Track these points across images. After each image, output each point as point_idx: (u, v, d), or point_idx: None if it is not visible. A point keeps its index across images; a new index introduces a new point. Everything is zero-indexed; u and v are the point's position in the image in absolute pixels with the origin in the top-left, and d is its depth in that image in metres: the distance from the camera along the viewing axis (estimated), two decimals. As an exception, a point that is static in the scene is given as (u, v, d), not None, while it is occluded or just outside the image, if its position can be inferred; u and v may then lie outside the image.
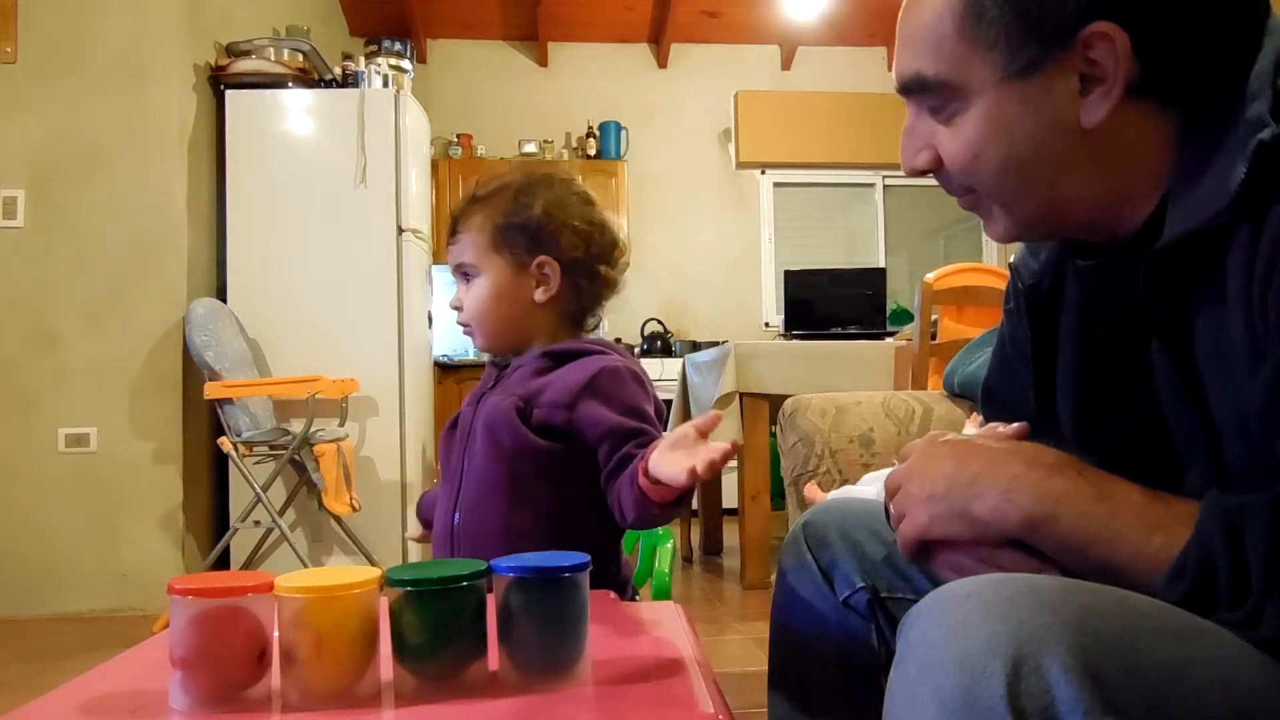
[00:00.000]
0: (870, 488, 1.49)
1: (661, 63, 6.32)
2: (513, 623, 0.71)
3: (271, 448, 3.08)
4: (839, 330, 4.33)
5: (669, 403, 3.70)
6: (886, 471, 0.83)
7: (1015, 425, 0.78)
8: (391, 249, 3.48)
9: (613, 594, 1.06)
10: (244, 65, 3.45)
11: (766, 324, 6.15)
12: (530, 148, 5.96)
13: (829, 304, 4.54)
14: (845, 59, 6.41)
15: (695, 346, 5.23)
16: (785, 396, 2.33)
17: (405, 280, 3.49)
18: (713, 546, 3.97)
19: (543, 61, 6.21)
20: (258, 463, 3.11)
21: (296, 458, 3.09)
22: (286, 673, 0.68)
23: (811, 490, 2.21)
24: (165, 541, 3.17)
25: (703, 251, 6.22)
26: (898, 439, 2.09)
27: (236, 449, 3.00)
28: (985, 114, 0.70)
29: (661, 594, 1.21)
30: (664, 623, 0.93)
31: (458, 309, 1.19)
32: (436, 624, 0.70)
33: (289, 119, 3.48)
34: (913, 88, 0.74)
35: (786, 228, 6.36)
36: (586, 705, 0.69)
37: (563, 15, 5.90)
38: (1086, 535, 0.62)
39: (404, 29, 5.72)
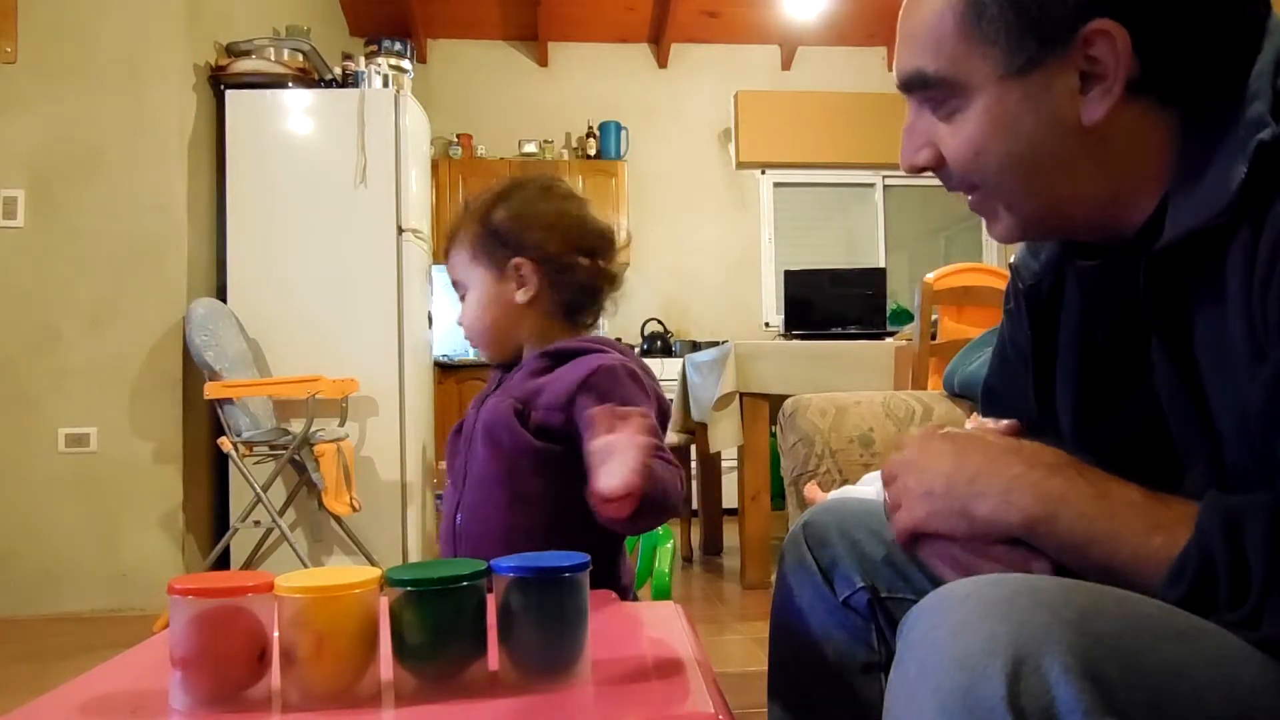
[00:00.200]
0: (870, 488, 1.49)
1: (661, 63, 6.32)
2: (513, 623, 0.71)
3: (271, 448, 3.08)
4: (839, 330, 4.33)
5: (672, 401, 3.69)
6: (886, 470, 0.83)
7: (1006, 422, 0.78)
8: (391, 249, 3.48)
9: (613, 594, 1.06)
10: (244, 65, 3.45)
11: (766, 324, 6.15)
12: (530, 148, 5.97)
13: (829, 304, 4.54)
14: (845, 59, 6.41)
15: (695, 346, 5.24)
16: (785, 396, 2.32)
17: (405, 280, 3.49)
18: (713, 546, 3.98)
19: (543, 61, 6.21)
20: (258, 463, 3.11)
21: (296, 458, 3.09)
22: (286, 673, 0.68)
23: (811, 490, 2.21)
24: (165, 541, 3.17)
25: (703, 251, 6.22)
26: (898, 439, 2.09)
27: (236, 449, 3.00)
28: (986, 111, 0.70)
29: (661, 594, 1.21)
30: (664, 623, 0.93)
31: (461, 325, 1.24)
32: (436, 624, 0.70)
33: (289, 119, 3.48)
34: (913, 85, 0.74)
35: (786, 228, 6.37)
36: (586, 705, 0.69)
37: (563, 15, 5.90)
38: (1086, 535, 0.62)
39: (404, 29, 5.72)
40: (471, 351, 5.34)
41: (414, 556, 3.50)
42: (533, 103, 6.16)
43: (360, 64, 3.70)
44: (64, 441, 3.14)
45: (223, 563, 3.17)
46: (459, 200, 5.87)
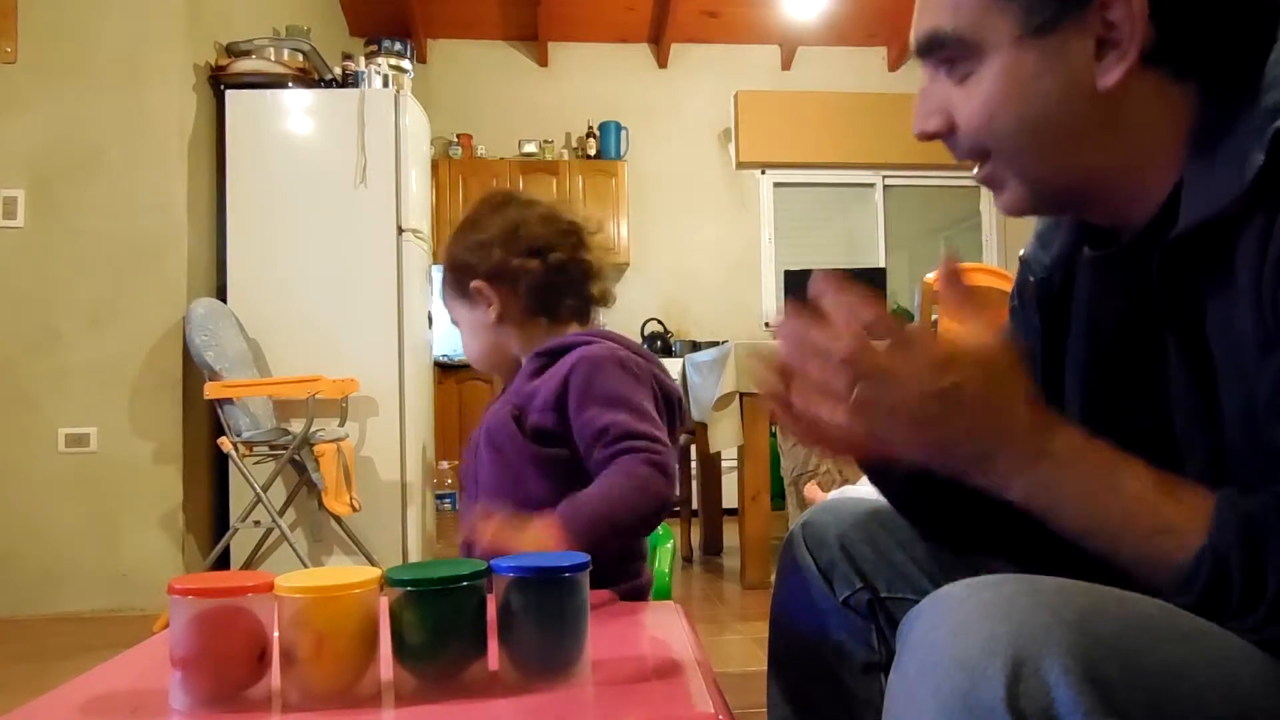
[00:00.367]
0: (871, 488, 1.49)
1: (661, 63, 6.33)
2: (513, 623, 0.71)
3: (271, 448, 3.08)
4: (839, 330, 4.31)
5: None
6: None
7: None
8: (391, 249, 3.48)
9: (614, 594, 1.06)
10: (244, 65, 3.45)
11: (766, 324, 6.15)
12: (530, 148, 5.97)
13: (829, 304, 4.53)
14: (845, 59, 6.41)
15: (695, 346, 5.24)
16: (785, 396, 2.33)
17: (405, 280, 3.49)
18: (713, 546, 3.98)
19: (543, 61, 6.21)
20: (258, 463, 3.11)
21: (296, 458, 3.09)
22: (286, 673, 0.68)
23: (811, 490, 2.22)
24: (165, 541, 3.17)
25: (703, 251, 6.22)
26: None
27: (236, 449, 3.00)
28: (1001, 72, 0.70)
29: (661, 594, 1.21)
30: (664, 623, 0.93)
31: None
32: (436, 624, 0.70)
33: (289, 119, 3.48)
34: (931, 45, 0.73)
35: (786, 228, 6.37)
36: (586, 705, 0.69)
37: (563, 15, 5.90)
38: (1088, 529, 0.62)
39: (404, 29, 5.72)
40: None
41: (414, 556, 3.49)
42: (533, 103, 6.16)
43: (360, 64, 3.70)
44: (64, 441, 3.14)
45: (223, 563, 3.17)
46: (459, 200, 5.90)
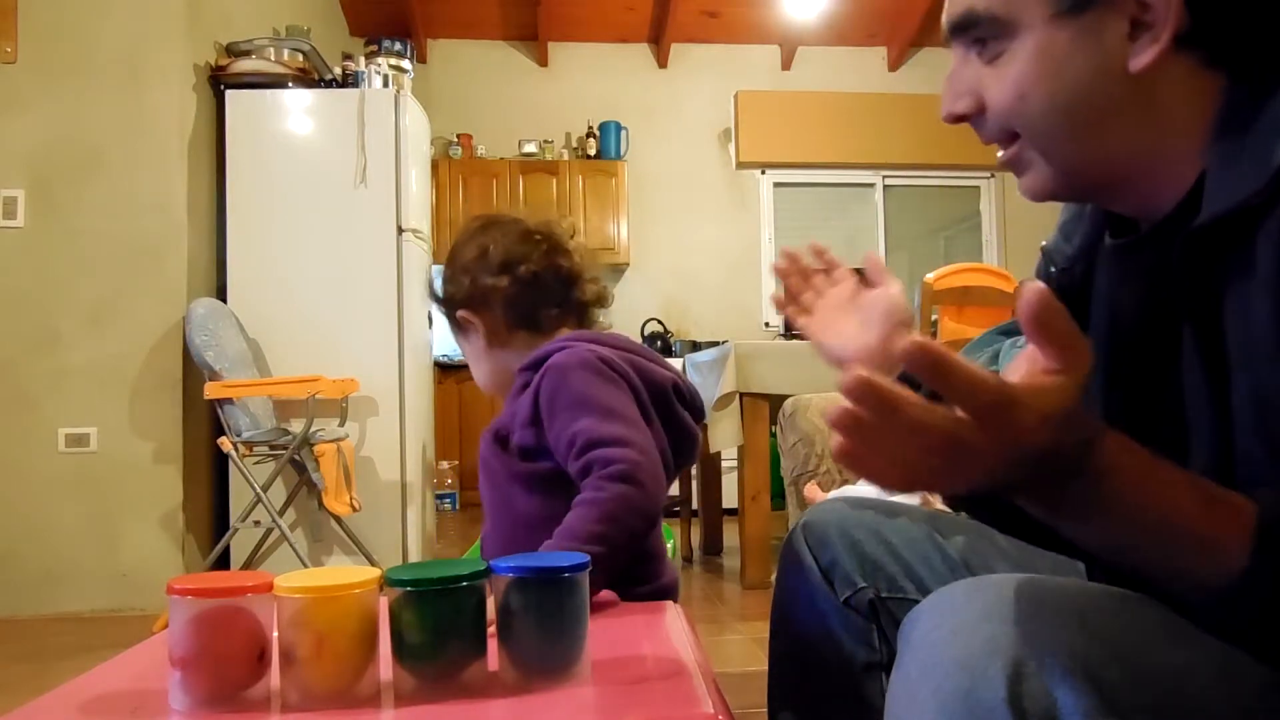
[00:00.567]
0: (870, 488, 1.49)
1: (661, 63, 6.33)
2: (513, 623, 0.71)
3: (271, 448, 3.08)
4: (839, 330, 4.32)
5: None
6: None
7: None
8: (391, 249, 3.48)
9: (613, 594, 1.05)
10: (244, 65, 3.45)
11: (766, 324, 6.15)
12: (530, 148, 5.97)
13: (829, 304, 4.53)
14: (845, 59, 6.41)
15: (695, 346, 5.24)
16: (785, 396, 2.33)
17: (405, 280, 3.49)
18: (713, 546, 3.98)
19: (543, 61, 6.22)
20: (258, 463, 3.11)
21: (296, 458, 3.09)
22: (286, 673, 0.68)
23: (811, 490, 2.21)
24: (165, 541, 3.17)
25: (702, 251, 6.23)
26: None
27: (236, 449, 3.00)
28: (1034, 51, 0.69)
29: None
30: (664, 623, 0.93)
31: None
32: (436, 624, 0.70)
33: (289, 119, 3.48)
34: (963, 25, 0.73)
35: (786, 228, 6.37)
36: (586, 705, 0.69)
37: (563, 15, 5.91)
38: (1120, 547, 0.58)
39: (404, 29, 5.72)
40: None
41: (414, 556, 3.49)
42: (533, 103, 6.16)
43: (360, 64, 3.70)
44: (64, 441, 3.14)
45: (223, 563, 3.17)
46: (459, 200, 5.90)
